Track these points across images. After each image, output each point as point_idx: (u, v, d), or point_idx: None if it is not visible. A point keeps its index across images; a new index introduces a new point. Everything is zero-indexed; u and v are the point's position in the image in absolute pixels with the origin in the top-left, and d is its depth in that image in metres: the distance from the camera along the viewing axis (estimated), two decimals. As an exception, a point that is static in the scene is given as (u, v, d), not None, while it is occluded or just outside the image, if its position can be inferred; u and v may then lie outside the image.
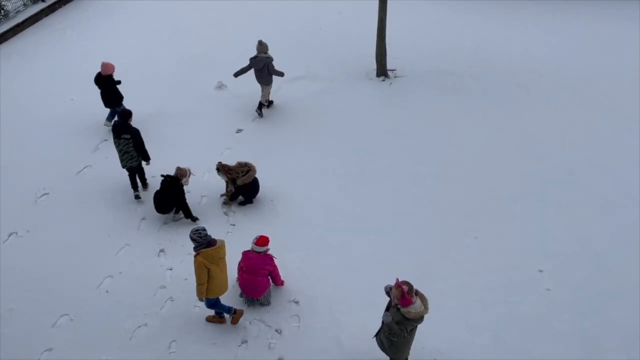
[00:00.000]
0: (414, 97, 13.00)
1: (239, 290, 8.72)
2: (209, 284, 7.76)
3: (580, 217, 9.96)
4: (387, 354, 7.48)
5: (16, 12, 16.30)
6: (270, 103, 12.75)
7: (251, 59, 12.07)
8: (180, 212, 10.13)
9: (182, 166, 9.90)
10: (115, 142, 10.16)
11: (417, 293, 7.07)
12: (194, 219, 10.03)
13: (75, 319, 8.56)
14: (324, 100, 13.02)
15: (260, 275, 8.36)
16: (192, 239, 7.66)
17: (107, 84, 11.69)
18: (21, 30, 16.08)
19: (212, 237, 7.79)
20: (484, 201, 10.31)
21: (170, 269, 9.27)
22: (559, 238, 9.60)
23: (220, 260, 7.80)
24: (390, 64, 13.74)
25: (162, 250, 9.60)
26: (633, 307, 8.48)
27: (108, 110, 12.08)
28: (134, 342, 8.26)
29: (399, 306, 6.98)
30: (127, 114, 10.12)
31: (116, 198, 10.51)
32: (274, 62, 12.07)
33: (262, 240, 8.35)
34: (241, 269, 8.46)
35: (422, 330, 8.23)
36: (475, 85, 13.29)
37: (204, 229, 7.70)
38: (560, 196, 10.36)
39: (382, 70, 13.64)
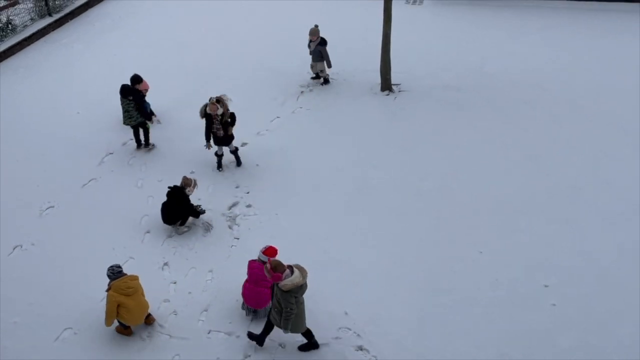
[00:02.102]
0: (419, 112, 13.02)
1: (241, 300, 8.68)
2: (123, 315, 8.16)
3: (585, 232, 9.92)
4: (283, 328, 7.71)
5: (24, 27, 16.47)
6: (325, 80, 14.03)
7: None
8: (185, 226, 10.14)
9: (188, 176, 9.98)
10: (121, 101, 11.34)
11: (294, 267, 7.44)
12: (202, 212, 10.18)
13: (79, 332, 8.55)
14: (329, 114, 13.06)
15: (262, 286, 8.26)
16: (107, 275, 8.19)
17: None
18: (29, 44, 16.23)
19: (126, 273, 8.21)
20: (488, 216, 10.29)
21: (174, 283, 9.27)
22: (564, 253, 9.56)
23: (131, 291, 8.09)
24: (394, 78, 13.78)
25: (166, 264, 9.61)
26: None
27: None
28: (138, 356, 8.24)
29: (276, 283, 7.40)
30: (136, 79, 11.46)
31: (121, 211, 10.54)
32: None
33: (270, 251, 8.17)
34: (247, 279, 8.40)
35: (426, 345, 8.22)
36: (480, 100, 13.31)
37: (118, 266, 8.22)
38: (565, 211, 10.33)
39: (386, 85, 13.69)
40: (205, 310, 8.80)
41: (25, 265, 9.61)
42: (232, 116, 11.04)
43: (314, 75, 14.12)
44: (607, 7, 17.03)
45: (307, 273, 7.54)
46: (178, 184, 10.03)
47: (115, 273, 8.15)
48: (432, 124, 12.61)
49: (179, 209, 9.94)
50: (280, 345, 8.32)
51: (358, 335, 8.40)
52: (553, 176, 11.10)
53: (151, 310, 8.74)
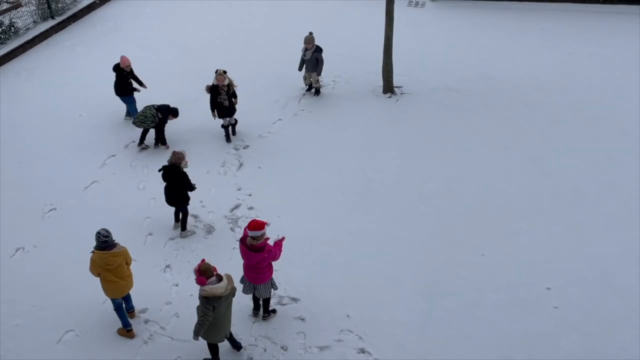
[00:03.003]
0: (421, 114, 13.03)
1: (242, 302, 8.65)
2: (101, 283, 8.07)
3: (588, 234, 9.91)
4: (194, 333, 7.53)
5: (26, 29, 16.48)
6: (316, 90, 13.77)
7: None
8: (188, 231, 10.13)
9: (176, 150, 9.80)
10: (148, 107, 11.63)
11: (225, 276, 7.32)
12: (194, 188, 9.95)
13: (80, 334, 8.55)
14: (331, 116, 13.06)
15: (260, 267, 7.95)
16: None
17: (121, 75, 12.47)
18: (31, 47, 16.24)
19: (115, 243, 7.99)
20: (491, 218, 10.28)
21: (176, 285, 9.27)
22: (566, 256, 9.54)
23: (110, 267, 7.90)
24: (396, 81, 13.79)
25: (168, 266, 9.61)
26: (642, 326, 8.41)
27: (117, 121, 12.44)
28: (139, 358, 8.23)
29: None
30: (175, 112, 11.90)
31: (123, 214, 10.54)
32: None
33: (255, 225, 7.66)
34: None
35: (428, 348, 8.21)
36: (481, 103, 13.31)
37: (105, 235, 7.85)
38: (567, 214, 10.32)
39: (388, 87, 13.69)
40: (207, 313, 8.79)
41: (28, 268, 9.61)
42: (235, 93, 11.93)
43: (308, 87, 13.78)
44: (608, 9, 17.04)
45: (233, 287, 7.39)
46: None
47: (100, 241, 7.85)
48: (434, 127, 12.61)
49: (181, 188, 9.75)
50: (282, 347, 8.31)
51: (360, 337, 8.40)
52: (555, 178, 11.09)
53: (152, 312, 8.76)
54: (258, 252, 7.78)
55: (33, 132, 12.79)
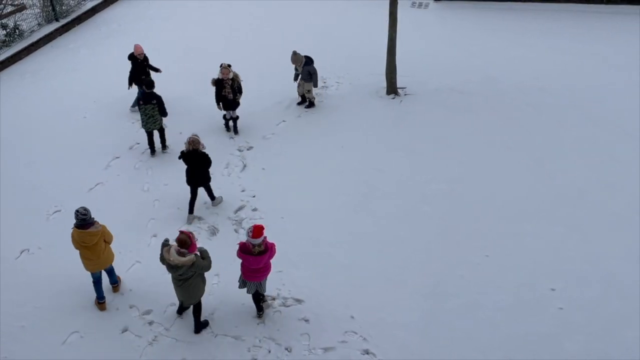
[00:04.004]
0: (424, 115, 13.03)
1: (247, 304, 8.70)
2: (80, 258, 8.63)
3: (591, 235, 9.90)
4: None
5: (31, 32, 16.55)
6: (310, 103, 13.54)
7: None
8: (217, 199, 10.67)
9: (190, 136, 10.24)
10: (142, 108, 11.48)
11: (193, 255, 7.81)
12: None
13: (85, 336, 8.58)
14: (334, 118, 13.08)
15: (267, 266, 8.27)
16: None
17: (136, 63, 12.90)
18: (35, 49, 16.31)
19: (93, 222, 8.43)
20: (494, 219, 10.28)
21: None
22: (570, 257, 9.53)
23: (85, 245, 8.40)
24: (400, 82, 13.80)
25: (172, 268, 9.63)
26: (646, 327, 8.40)
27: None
28: (144, 359, 8.26)
29: (173, 261, 7.79)
30: (153, 83, 11.58)
31: (127, 215, 10.57)
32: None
33: (257, 231, 7.90)
34: (244, 266, 8.22)
35: (432, 349, 8.22)
36: (485, 104, 13.31)
37: (83, 213, 8.31)
38: (570, 215, 10.31)
39: (392, 88, 13.70)
40: (212, 314, 8.82)
41: (32, 269, 9.65)
42: (240, 87, 12.19)
43: (300, 100, 13.45)
44: (611, 9, 16.99)
45: (193, 266, 7.85)
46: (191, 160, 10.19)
47: (78, 219, 8.32)
48: (437, 128, 12.61)
49: (205, 168, 10.27)
50: (286, 349, 8.33)
51: (364, 339, 8.41)
52: (558, 179, 11.08)
53: (157, 313, 8.78)
54: (264, 254, 8.05)
55: (37, 134, 12.84)
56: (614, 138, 12.03)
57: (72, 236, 8.50)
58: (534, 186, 10.96)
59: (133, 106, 13.27)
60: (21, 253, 9.99)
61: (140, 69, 12.81)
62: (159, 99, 11.53)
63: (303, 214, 10.55)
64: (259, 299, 8.67)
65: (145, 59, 12.93)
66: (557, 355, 8.12)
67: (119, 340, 8.48)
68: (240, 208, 10.78)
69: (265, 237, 8.00)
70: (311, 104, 13.47)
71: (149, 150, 12.13)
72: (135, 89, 13.01)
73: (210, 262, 8.14)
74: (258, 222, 10.33)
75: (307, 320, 8.68)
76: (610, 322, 8.50)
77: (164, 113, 11.66)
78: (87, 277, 9.41)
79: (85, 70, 15.31)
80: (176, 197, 10.97)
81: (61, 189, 11.22)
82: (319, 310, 8.79)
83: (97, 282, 8.81)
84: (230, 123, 12.59)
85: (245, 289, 8.46)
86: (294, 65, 12.98)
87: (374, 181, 11.23)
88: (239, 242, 8.42)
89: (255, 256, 8.01)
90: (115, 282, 9.16)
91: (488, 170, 11.38)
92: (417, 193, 10.93)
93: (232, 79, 12.02)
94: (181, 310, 8.78)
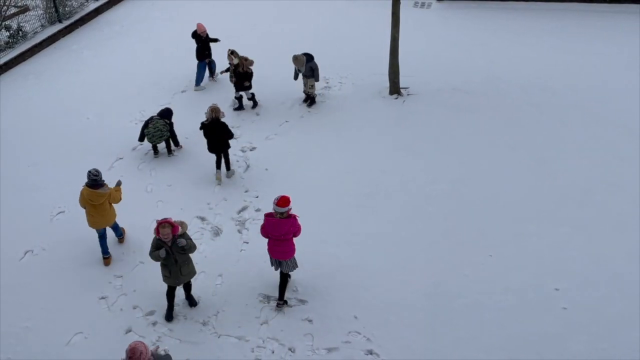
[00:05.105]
0: (427, 115, 13.02)
1: (251, 304, 8.71)
2: (86, 216, 9.42)
3: (596, 235, 9.87)
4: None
5: (34, 33, 16.59)
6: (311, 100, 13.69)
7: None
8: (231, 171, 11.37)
9: (212, 105, 11.02)
10: (153, 121, 11.68)
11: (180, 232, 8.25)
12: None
13: (89, 337, 8.59)
14: (337, 118, 13.08)
15: (286, 239, 8.46)
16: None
17: (199, 40, 14.03)
18: (39, 51, 16.35)
19: (103, 184, 9.34)
20: (498, 219, 10.26)
21: (184, 287, 9.29)
22: (574, 257, 9.51)
23: (94, 203, 9.21)
24: (403, 82, 13.79)
25: (175, 268, 9.63)
26: (651, 327, 8.38)
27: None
28: None
29: (169, 241, 8.18)
30: (171, 112, 12.10)
31: (130, 217, 10.56)
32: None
33: (283, 201, 8.30)
34: (268, 236, 8.52)
35: (436, 349, 8.20)
36: (488, 104, 13.29)
37: (95, 174, 9.22)
38: (575, 215, 10.29)
39: (395, 88, 13.69)
40: (215, 315, 8.82)
41: (36, 270, 9.67)
42: (249, 73, 13.01)
43: (305, 97, 13.55)
44: (615, 9, 16.98)
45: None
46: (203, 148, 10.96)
47: (90, 179, 9.21)
48: (440, 128, 12.60)
49: (225, 136, 11.01)
50: (290, 349, 8.33)
51: (368, 339, 8.40)
52: (562, 179, 11.06)
53: (160, 314, 8.79)
54: (286, 220, 8.33)
55: (41, 135, 12.87)
56: (618, 137, 12.00)
57: (82, 194, 9.28)
58: (537, 186, 10.94)
59: (197, 84, 14.27)
60: (25, 254, 10.01)
61: (203, 45, 13.93)
62: (172, 124, 11.99)
63: (306, 214, 10.47)
64: (283, 283, 8.80)
65: (207, 36, 14.00)
66: (561, 355, 8.10)
67: (123, 341, 8.46)
68: (244, 209, 10.79)
69: (290, 209, 8.35)
70: (313, 101, 13.50)
71: (152, 152, 12.16)
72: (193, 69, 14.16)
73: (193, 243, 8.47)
74: (261, 222, 10.37)
75: (310, 321, 8.68)
76: (614, 322, 8.47)
77: (173, 136, 12.05)
78: (91, 276, 9.45)
79: (89, 72, 15.33)
80: (179, 197, 10.99)
81: (64, 190, 11.22)
82: (323, 311, 8.78)
83: (101, 238, 9.58)
84: (244, 101, 13.43)
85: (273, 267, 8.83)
86: (295, 67, 13.00)
87: (378, 181, 11.23)
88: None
89: (277, 220, 8.32)
90: (120, 235, 9.99)
91: (491, 170, 11.36)
92: (420, 193, 10.92)
93: (237, 65, 12.82)
94: (170, 313, 8.80)
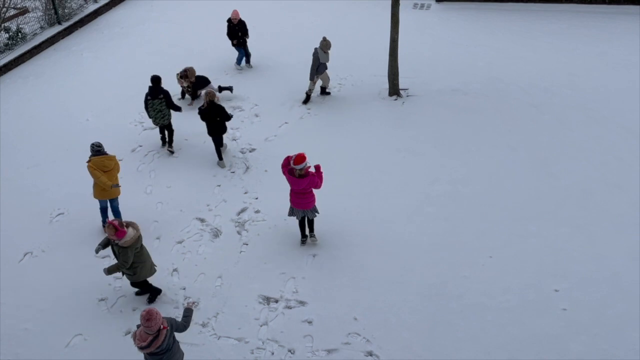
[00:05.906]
0: (427, 116, 13.01)
1: (250, 305, 8.67)
2: (94, 188, 9.81)
3: (596, 236, 9.86)
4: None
5: (34, 35, 16.60)
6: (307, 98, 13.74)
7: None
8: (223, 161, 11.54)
9: (207, 90, 11.42)
10: (150, 104, 11.64)
11: (128, 224, 8.23)
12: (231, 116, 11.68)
13: (89, 339, 8.58)
14: (337, 119, 13.08)
15: (307, 192, 9.30)
16: (90, 150, 9.67)
17: (237, 28, 14.52)
18: (38, 52, 16.36)
19: (106, 152, 9.72)
20: (498, 220, 10.25)
21: (184, 289, 9.28)
22: (574, 257, 9.50)
23: (106, 170, 9.60)
24: (402, 83, 13.79)
25: (175, 270, 9.62)
26: (651, 327, 8.36)
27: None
28: (147, 362, 8.25)
29: (116, 241, 8.13)
30: (159, 79, 11.66)
31: (130, 218, 10.52)
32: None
33: (299, 158, 8.98)
34: (292, 190, 9.35)
35: (436, 351, 8.19)
36: (488, 105, 13.29)
37: (99, 144, 9.64)
38: (575, 215, 10.28)
39: (394, 90, 13.69)
40: (215, 316, 8.81)
41: (36, 272, 9.66)
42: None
43: (320, 91, 13.79)
44: (615, 10, 17.00)
45: (138, 225, 8.35)
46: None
47: (94, 150, 9.58)
48: (440, 129, 12.60)
49: (222, 119, 11.32)
50: (289, 351, 8.31)
51: (367, 340, 8.38)
52: (563, 180, 11.05)
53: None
54: (304, 177, 9.09)
55: (40, 136, 12.87)
56: (618, 138, 12.00)
57: (90, 167, 9.53)
58: (538, 187, 10.93)
59: (238, 63, 15.09)
60: (25, 256, 10.00)
61: (233, 31, 14.50)
62: (166, 94, 11.65)
63: (306, 215, 10.53)
64: (304, 226, 9.76)
65: (239, 22, 14.43)
66: (561, 355, 8.09)
67: (122, 343, 8.47)
68: (243, 210, 10.78)
69: (307, 165, 9.04)
70: (308, 98, 13.60)
71: (152, 152, 12.15)
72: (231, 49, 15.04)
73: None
74: (260, 224, 10.40)
75: (310, 322, 8.67)
76: (615, 322, 8.46)
77: (173, 107, 11.85)
78: (91, 278, 9.43)
79: (88, 73, 15.34)
80: (179, 199, 10.98)
81: (64, 192, 11.24)
82: (323, 312, 8.77)
83: (103, 210, 10.08)
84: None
85: (295, 216, 9.65)
86: (317, 51, 12.89)
87: (378, 182, 11.22)
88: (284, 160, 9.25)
89: (297, 178, 9.08)
90: (119, 217, 10.07)
91: (492, 171, 11.36)
92: (421, 194, 10.91)
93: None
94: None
